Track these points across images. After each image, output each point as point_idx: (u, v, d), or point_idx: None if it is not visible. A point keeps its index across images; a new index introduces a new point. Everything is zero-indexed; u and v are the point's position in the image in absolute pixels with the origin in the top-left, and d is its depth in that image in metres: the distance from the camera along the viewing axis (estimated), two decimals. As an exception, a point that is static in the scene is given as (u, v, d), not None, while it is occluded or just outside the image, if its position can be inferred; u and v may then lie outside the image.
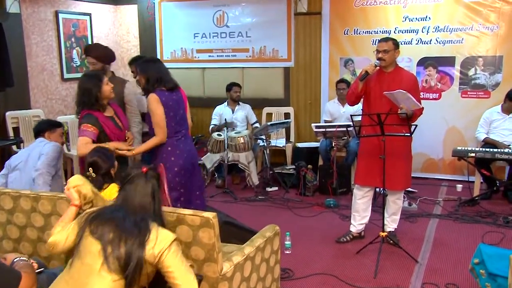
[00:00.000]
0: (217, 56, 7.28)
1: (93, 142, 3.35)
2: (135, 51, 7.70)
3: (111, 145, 3.37)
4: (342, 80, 6.17)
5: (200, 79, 7.47)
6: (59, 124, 4.11)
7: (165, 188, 3.43)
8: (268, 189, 5.90)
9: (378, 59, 3.92)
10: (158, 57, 7.57)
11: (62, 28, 6.64)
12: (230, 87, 6.48)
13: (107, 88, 3.45)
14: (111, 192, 2.79)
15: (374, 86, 3.98)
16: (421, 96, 5.46)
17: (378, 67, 3.95)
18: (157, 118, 3.45)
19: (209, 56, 7.32)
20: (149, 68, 3.55)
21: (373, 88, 3.99)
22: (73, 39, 6.83)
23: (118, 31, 7.61)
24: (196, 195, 3.70)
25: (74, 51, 6.82)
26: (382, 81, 3.95)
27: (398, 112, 3.82)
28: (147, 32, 7.63)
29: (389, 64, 3.95)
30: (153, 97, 3.46)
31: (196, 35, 7.34)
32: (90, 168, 2.87)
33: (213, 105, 6.69)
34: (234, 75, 7.10)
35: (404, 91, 3.74)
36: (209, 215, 2.29)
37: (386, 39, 3.97)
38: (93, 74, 3.50)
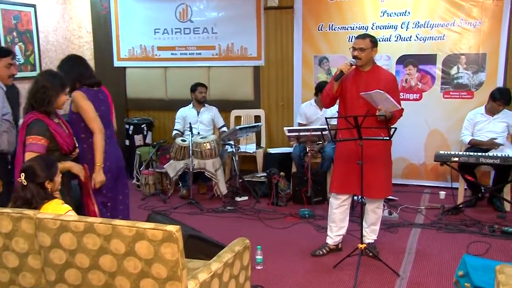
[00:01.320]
0: (180, 54, 7.26)
1: None
2: (88, 48, 7.60)
3: (67, 165, 3.33)
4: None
5: (161, 79, 7.43)
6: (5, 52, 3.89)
7: (90, 193, 3.42)
8: (237, 199, 5.90)
9: (354, 57, 3.98)
10: (115, 55, 7.51)
11: (1, 20, 6.48)
12: (195, 87, 6.47)
13: (64, 99, 3.39)
14: (54, 209, 2.70)
15: (350, 86, 4.04)
16: (400, 97, 5.56)
17: (354, 66, 4.01)
18: (89, 113, 3.56)
19: (172, 54, 7.30)
20: (67, 66, 3.63)
21: (349, 89, 4.04)
22: (15, 34, 6.65)
23: (68, 25, 7.49)
24: (119, 200, 3.82)
25: (17, 47, 6.66)
26: (358, 81, 4.01)
27: (376, 114, 3.88)
28: (102, 27, 7.56)
29: (366, 63, 4.01)
30: (78, 94, 3.57)
31: (157, 30, 7.31)
32: (22, 174, 2.73)
33: (176, 108, 6.66)
34: (199, 75, 7.09)
35: (382, 91, 3.80)
36: (172, 228, 2.27)
37: (363, 36, 4.03)
38: (59, 76, 3.43)
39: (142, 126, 7.13)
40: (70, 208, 2.80)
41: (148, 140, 7.15)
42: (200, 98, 6.44)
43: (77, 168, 3.44)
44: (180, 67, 7.30)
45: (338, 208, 4.21)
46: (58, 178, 2.91)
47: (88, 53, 7.61)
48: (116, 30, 7.49)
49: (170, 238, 2.26)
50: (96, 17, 7.56)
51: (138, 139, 7.10)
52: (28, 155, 3.13)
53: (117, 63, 7.53)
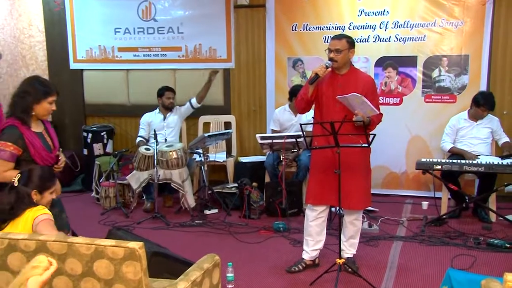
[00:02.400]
0: (144, 55, 7.22)
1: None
2: (41, 49, 7.51)
3: None
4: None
5: (123, 82, 7.37)
6: None
7: None
8: (207, 211, 5.88)
9: (330, 59, 4.01)
10: (71, 56, 7.43)
11: None
12: (162, 92, 6.44)
13: (46, 107, 3.35)
14: (34, 214, 2.80)
15: (326, 90, 4.07)
16: (380, 101, 5.65)
17: (330, 69, 4.04)
18: None
19: (134, 55, 7.25)
20: None
21: (325, 93, 4.07)
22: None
23: (17, 23, 7.37)
24: None
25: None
26: (335, 85, 4.05)
27: (353, 119, 3.92)
28: (55, 25, 7.47)
29: (343, 65, 4.05)
30: None
31: (117, 30, 7.26)
32: (18, 175, 2.91)
33: (139, 114, 6.61)
34: (164, 78, 7.06)
35: (359, 95, 3.85)
36: (135, 245, 2.25)
37: (339, 37, 4.07)
38: (46, 84, 3.39)
39: (102, 134, 7.05)
40: (49, 213, 2.85)
41: (109, 149, 7.08)
42: (168, 104, 6.41)
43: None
44: (143, 70, 7.26)
45: (315, 220, 4.23)
46: (48, 195, 2.99)
47: (40, 54, 7.52)
48: (72, 29, 7.41)
49: (132, 256, 2.24)
50: (49, 15, 7.47)
51: (97, 148, 7.02)
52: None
53: (73, 65, 7.44)
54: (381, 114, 4.08)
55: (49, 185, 3.02)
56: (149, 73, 7.22)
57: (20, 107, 3.27)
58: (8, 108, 3.35)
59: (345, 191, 3.95)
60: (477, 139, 5.66)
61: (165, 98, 6.40)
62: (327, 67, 3.99)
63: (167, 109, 6.42)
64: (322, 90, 4.08)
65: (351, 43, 4.05)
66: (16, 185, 2.88)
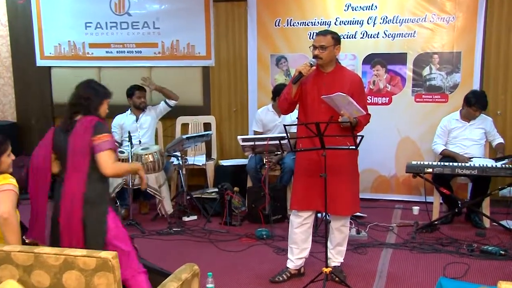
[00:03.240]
0: (117, 52, 7.19)
1: None
2: (4, 44, 7.43)
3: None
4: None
5: (94, 81, 7.32)
6: None
7: None
8: (185, 218, 5.86)
9: (315, 56, 4.03)
10: (37, 52, 7.36)
11: None
12: (131, 91, 6.41)
13: (105, 108, 3.49)
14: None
15: (310, 89, 4.08)
16: (368, 101, 5.69)
17: (314, 67, 4.06)
18: None
19: (107, 52, 7.22)
20: None
21: (309, 92, 4.08)
22: None
23: (-24, 15, 7.31)
24: None
25: None
26: (320, 84, 4.06)
27: (339, 120, 3.94)
28: (20, 19, 7.40)
29: (328, 63, 4.06)
30: None
31: (88, 25, 7.21)
32: None
33: (112, 115, 6.55)
34: (139, 76, 7.00)
35: (344, 94, 3.86)
36: (108, 254, 2.24)
37: (324, 33, 4.09)
38: (103, 86, 3.60)
39: (72, 136, 6.98)
40: (14, 184, 2.98)
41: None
42: (139, 104, 6.38)
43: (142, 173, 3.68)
44: (116, 68, 7.22)
45: (300, 227, 4.23)
46: (6, 158, 3.09)
47: (3, 50, 7.44)
48: (38, 23, 7.34)
49: (105, 266, 2.23)
50: (12, 7, 7.40)
51: (67, 151, 6.95)
52: (109, 154, 3.29)
53: (40, 62, 7.38)
54: (368, 115, 4.10)
55: (4, 148, 3.09)
56: (123, 71, 7.18)
57: (92, 108, 3.43)
58: (71, 111, 3.47)
59: (332, 195, 3.97)
60: (470, 140, 5.72)
61: (136, 98, 6.37)
62: (311, 65, 4.01)
63: (139, 109, 6.40)
64: (307, 89, 4.09)
65: (336, 39, 4.07)
66: None
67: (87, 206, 3.18)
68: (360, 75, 5.83)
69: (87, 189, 3.19)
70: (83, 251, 2.27)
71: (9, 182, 3.00)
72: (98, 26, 7.19)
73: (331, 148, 3.87)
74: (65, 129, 3.34)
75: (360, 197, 4.36)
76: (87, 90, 3.49)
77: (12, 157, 3.15)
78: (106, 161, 3.25)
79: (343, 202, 4.09)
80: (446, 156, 5.70)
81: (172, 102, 6.52)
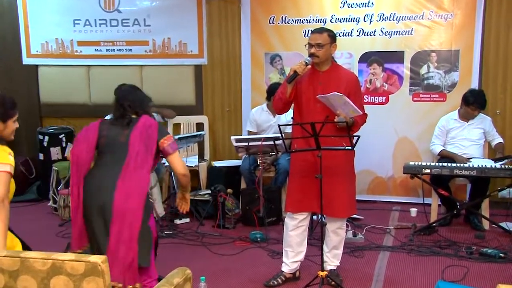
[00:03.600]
0: (107, 50, 7.18)
1: None
2: (-11, 41, 7.40)
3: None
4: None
5: (84, 80, 7.31)
6: None
7: None
8: (177, 221, 5.85)
9: (310, 55, 4.02)
10: (24, 50, 7.33)
11: None
12: (120, 91, 6.40)
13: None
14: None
15: (306, 89, 4.08)
16: (364, 100, 5.69)
17: (310, 66, 4.05)
18: None
19: (96, 50, 7.20)
20: None
21: (305, 92, 4.08)
22: None
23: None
24: None
25: None
26: (315, 83, 4.06)
27: (335, 120, 3.94)
28: (5, 15, 7.37)
29: (324, 61, 4.06)
30: None
31: (76, 22, 7.19)
32: None
33: (101, 115, 6.49)
34: (130, 75, 7.01)
35: (340, 94, 3.86)
36: (97, 259, 2.23)
37: (320, 30, 4.09)
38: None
39: (60, 136, 6.97)
40: (11, 163, 2.96)
41: (68, 153, 6.99)
42: (129, 104, 6.37)
43: None
44: (106, 66, 7.20)
45: (295, 229, 4.23)
46: (11, 124, 3.13)
47: (-12, 47, 7.41)
48: (25, 19, 7.31)
49: (94, 271, 2.22)
50: (-4, 3, 7.37)
51: (55, 152, 6.93)
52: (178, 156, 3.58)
53: (27, 61, 7.35)
54: (365, 115, 4.10)
55: (12, 113, 3.12)
56: (112, 69, 7.16)
57: (147, 109, 3.73)
58: (125, 109, 3.64)
59: (328, 197, 3.96)
60: (469, 140, 5.73)
61: None
62: (306, 64, 4.00)
63: (129, 109, 6.39)
64: (302, 88, 4.09)
65: (333, 37, 4.07)
66: None
67: (145, 207, 3.36)
68: (357, 73, 5.83)
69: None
70: (71, 256, 2.26)
71: (7, 161, 2.93)
72: (87, 23, 7.17)
73: (327, 149, 3.87)
74: (124, 124, 3.55)
75: (356, 199, 4.36)
76: (139, 92, 3.84)
77: (17, 125, 3.18)
78: (179, 161, 3.57)
79: (339, 204, 4.10)
80: (445, 156, 5.71)
81: (169, 120, 6.55)
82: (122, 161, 3.40)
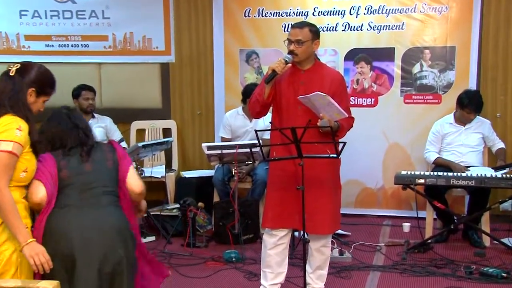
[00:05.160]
0: (59, 46, 7.13)
1: None
2: None
3: None
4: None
5: (34, 80, 7.23)
6: None
7: None
8: (142, 239, 5.80)
9: (290, 52, 4.02)
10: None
11: None
12: (77, 92, 6.37)
13: None
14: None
15: (286, 90, 4.08)
16: (351, 102, 5.71)
17: (290, 64, 4.05)
18: None
19: (47, 45, 7.15)
20: None
21: (284, 93, 4.07)
22: None
23: None
24: None
25: None
26: (296, 83, 4.06)
27: (318, 124, 3.94)
28: None
29: (306, 59, 4.06)
30: None
31: (23, 13, 7.13)
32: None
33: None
34: (87, 75, 6.97)
35: (323, 94, 3.86)
36: (47, 284, 2.20)
37: (300, 25, 4.09)
38: None
39: None
40: (19, 140, 2.81)
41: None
42: (86, 107, 6.33)
43: None
44: (59, 64, 7.07)
45: (274, 248, 4.22)
46: (41, 103, 3.11)
47: None
48: (-37, 10, 7.20)
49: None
50: None
51: None
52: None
53: (-34, 57, 7.25)
54: (351, 118, 4.11)
55: (48, 91, 3.12)
56: (66, 68, 7.08)
57: None
58: None
59: (310, 211, 3.95)
60: (466, 146, 5.78)
61: (83, 100, 6.32)
62: (286, 62, 4.00)
63: (87, 112, 6.34)
64: (281, 89, 4.08)
65: (315, 32, 4.07)
66: (12, 74, 2.95)
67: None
68: (342, 73, 5.86)
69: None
70: (17, 282, 2.23)
71: (10, 138, 2.75)
72: (36, 15, 7.10)
73: (309, 157, 3.86)
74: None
75: (342, 212, 4.37)
76: None
77: (42, 107, 3.16)
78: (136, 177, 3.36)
79: (322, 219, 4.08)
80: (440, 165, 5.74)
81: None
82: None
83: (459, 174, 5.30)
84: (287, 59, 4.00)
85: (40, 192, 2.91)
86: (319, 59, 4.24)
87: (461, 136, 5.81)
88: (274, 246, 4.20)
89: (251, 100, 4.22)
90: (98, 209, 3.03)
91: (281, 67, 3.97)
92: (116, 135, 6.51)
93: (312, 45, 4.05)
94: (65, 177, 3.05)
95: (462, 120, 5.80)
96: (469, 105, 5.64)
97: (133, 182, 3.19)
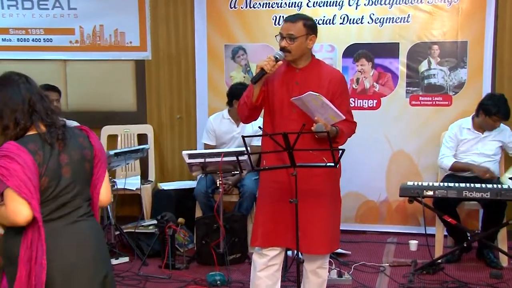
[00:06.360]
0: (18, 40, 7.12)
1: None
2: None
3: None
4: None
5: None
6: None
7: None
8: (113, 261, 5.80)
9: (282, 49, 4.03)
10: None
11: None
12: (40, 93, 6.34)
13: None
14: None
15: (279, 90, 4.08)
16: (352, 105, 5.71)
17: (281, 62, 4.02)
18: None
19: (3, 39, 7.14)
20: None
21: (277, 94, 4.07)
22: None
23: None
24: None
25: None
26: (290, 83, 4.07)
27: (313, 128, 3.90)
28: None
29: (300, 56, 4.07)
30: None
31: (-25, 3, 7.10)
32: None
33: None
34: (50, 73, 6.95)
35: (316, 94, 3.84)
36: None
37: (293, 18, 4.09)
38: None
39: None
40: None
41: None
42: (51, 109, 6.31)
43: None
44: (18, 61, 7.07)
45: (265, 270, 4.20)
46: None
47: None
48: None
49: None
50: None
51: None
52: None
53: None
54: (353, 123, 4.13)
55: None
56: (27, 65, 7.04)
57: None
58: None
59: (305, 228, 3.96)
60: (483, 155, 5.77)
61: None
62: (277, 60, 3.98)
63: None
64: (274, 90, 4.08)
65: (310, 27, 4.06)
66: None
67: None
68: (340, 70, 5.85)
69: None
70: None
71: None
72: (-10, 4, 7.08)
73: (303, 166, 3.87)
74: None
75: (341, 229, 4.36)
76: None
77: None
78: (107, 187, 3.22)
79: (318, 237, 4.06)
80: (458, 170, 5.76)
81: None
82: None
83: (472, 185, 5.27)
84: (277, 56, 3.98)
85: (22, 213, 2.65)
86: (315, 56, 4.21)
87: (478, 144, 5.81)
88: (265, 267, 4.18)
89: (240, 103, 4.21)
90: (76, 225, 2.86)
91: (271, 65, 3.95)
92: None
93: (307, 41, 4.04)
94: (44, 186, 2.77)
95: (483, 127, 5.78)
96: (498, 113, 5.61)
97: (105, 194, 3.07)
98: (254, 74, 4.07)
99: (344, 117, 3.97)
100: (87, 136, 2.99)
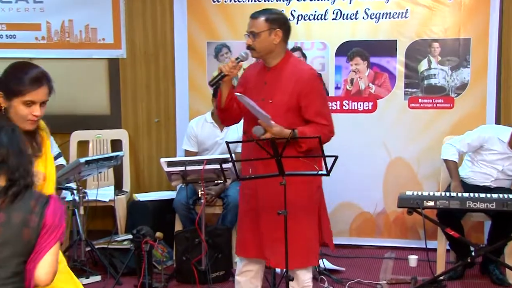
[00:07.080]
0: (-19, 37, 7.09)
1: None
2: None
3: None
4: None
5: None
6: None
7: None
8: (83, 280, 5.74)
9: (247, 47, 4.11)
10: None
11: None
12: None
13: None
14: None
15: (250, 91, 4.12)
16: (344, 107, 5.71)
17: (242, 62, 4.12)
18: None
19: (-38, 36, 7.10)
20: None
21: (249, 96, 4.05)
22: None
23: None
24: None
25: None
26: (260, 84, 4.15)
27: (253, 130, 3.98)
28: None
29: (267, 54, 4.12)
30: None
31: None
32: None
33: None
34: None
35: (239, 94, 3.95)
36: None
37: (255, 14, 4.15)
38: None
39: None
40: None
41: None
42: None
43: None
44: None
45: (242, 274, 4.34)
46: (18, 106, 3.25)
47: None
48: None
49: None
50: None
51: None
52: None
53: None
54: (325, 126, 4.11)
55: (18, 91, 3.20)
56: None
57: None
58: None
59: (271, 240, 4.05)
60: (503, 173, 5.72)
61: None
62: (238, 60, 4.07)
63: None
64: (247, 91, 4.14)
65: (273, 20, 4.11)
66: None
67: None
68: (333, 70, 5.87)
69: None
70: None
71: None
72: None
73: (293, 174, 3.89)
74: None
75: (335, 242, 4.36)
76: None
77: (34, 111, 3.33)
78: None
79: (290, 250, 3.99)
80: (447, 168, 5.75)
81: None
82: None
83: (476, 195, 5.27)
84: (239, 57, 4.08)
85: None
86: (292, 54, 4.31)
87: (504, 161, 5.70)
88: (242, 272, 4.33)
89: (215, 106, 4.28)
90: None
91: (229, 67, 4.03)
92: (54, 148, 6.45)
93: (271, 36, 4.09)
94: None
95: None
96: None
97: (43, 272, 2.72)
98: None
99: (269, 117, 3.97)
100: (46, 203, 2.77)
